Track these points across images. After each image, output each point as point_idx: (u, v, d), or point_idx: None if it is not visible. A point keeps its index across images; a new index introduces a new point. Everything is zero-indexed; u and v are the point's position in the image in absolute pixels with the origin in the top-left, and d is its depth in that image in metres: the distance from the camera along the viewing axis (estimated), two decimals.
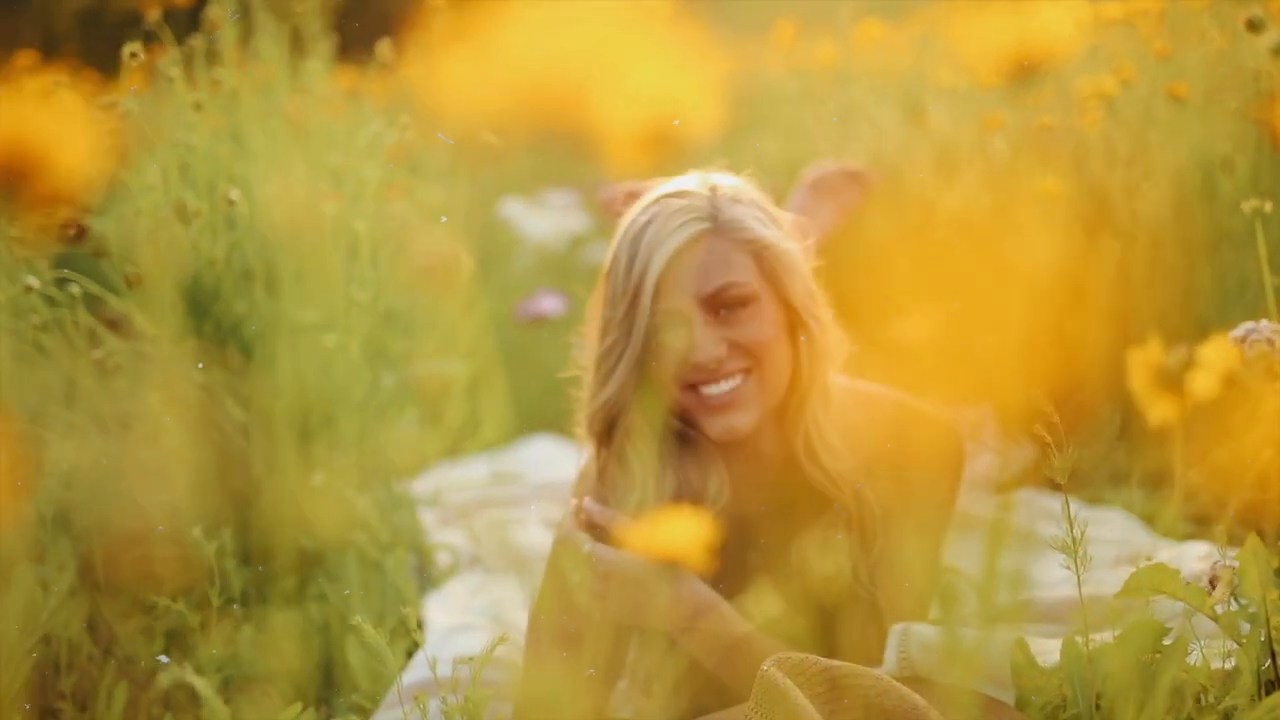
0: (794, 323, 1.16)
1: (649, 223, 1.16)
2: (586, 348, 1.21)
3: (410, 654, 1.47)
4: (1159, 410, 0.71)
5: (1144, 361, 0.72)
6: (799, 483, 1.20)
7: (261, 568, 1.43)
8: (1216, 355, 0.72)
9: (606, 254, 1.22)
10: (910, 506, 1.18)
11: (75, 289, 1.48)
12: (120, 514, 1.37)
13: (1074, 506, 0.98)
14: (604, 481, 1.20)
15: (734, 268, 1.14)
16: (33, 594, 1.30)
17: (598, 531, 1.16)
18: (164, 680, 1.34)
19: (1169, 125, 1.99)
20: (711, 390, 1.14)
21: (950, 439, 1.19)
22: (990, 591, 0.84)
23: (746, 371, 1.15)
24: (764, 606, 1.13)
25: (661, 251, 1.14)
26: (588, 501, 1.18)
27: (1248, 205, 1.14)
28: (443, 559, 1.77)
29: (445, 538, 1.85)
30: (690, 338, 1.14)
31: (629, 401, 1.16)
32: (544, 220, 2.95)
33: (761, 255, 1.15)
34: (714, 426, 1.16)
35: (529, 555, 1.76)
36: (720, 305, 1.14)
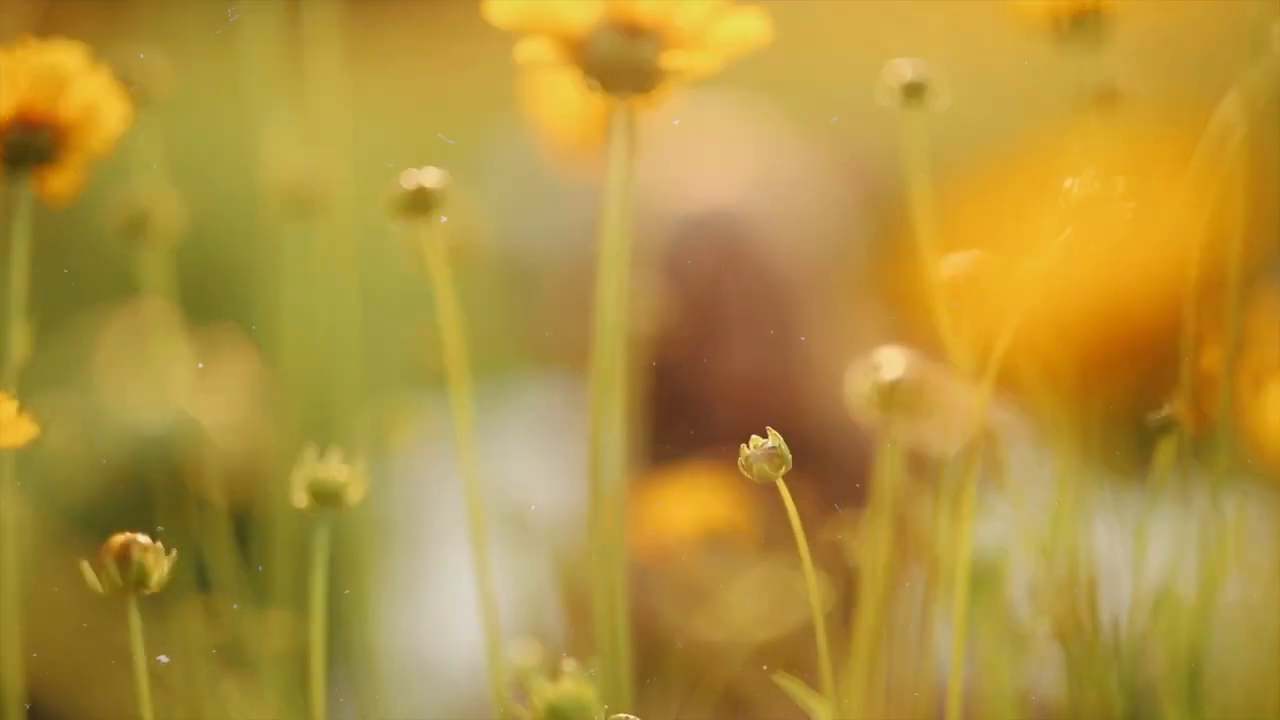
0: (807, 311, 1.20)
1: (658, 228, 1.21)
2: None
3: (408, 629, 1.45)
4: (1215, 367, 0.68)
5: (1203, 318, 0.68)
6: None
7: (261, 562, 1.41)
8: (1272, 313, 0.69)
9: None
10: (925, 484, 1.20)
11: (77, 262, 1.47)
12: (126, 482, 1.35)
13: (1122, 485, 0.95)
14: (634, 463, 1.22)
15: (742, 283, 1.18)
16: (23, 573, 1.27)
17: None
18: (158, 666, 1.32)
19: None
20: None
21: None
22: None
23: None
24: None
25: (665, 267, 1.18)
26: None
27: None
28: (445, 531, 1.75)
29: (448, 510, 1.83)
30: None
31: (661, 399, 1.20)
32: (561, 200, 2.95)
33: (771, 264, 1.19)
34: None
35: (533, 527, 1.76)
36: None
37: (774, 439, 0.55)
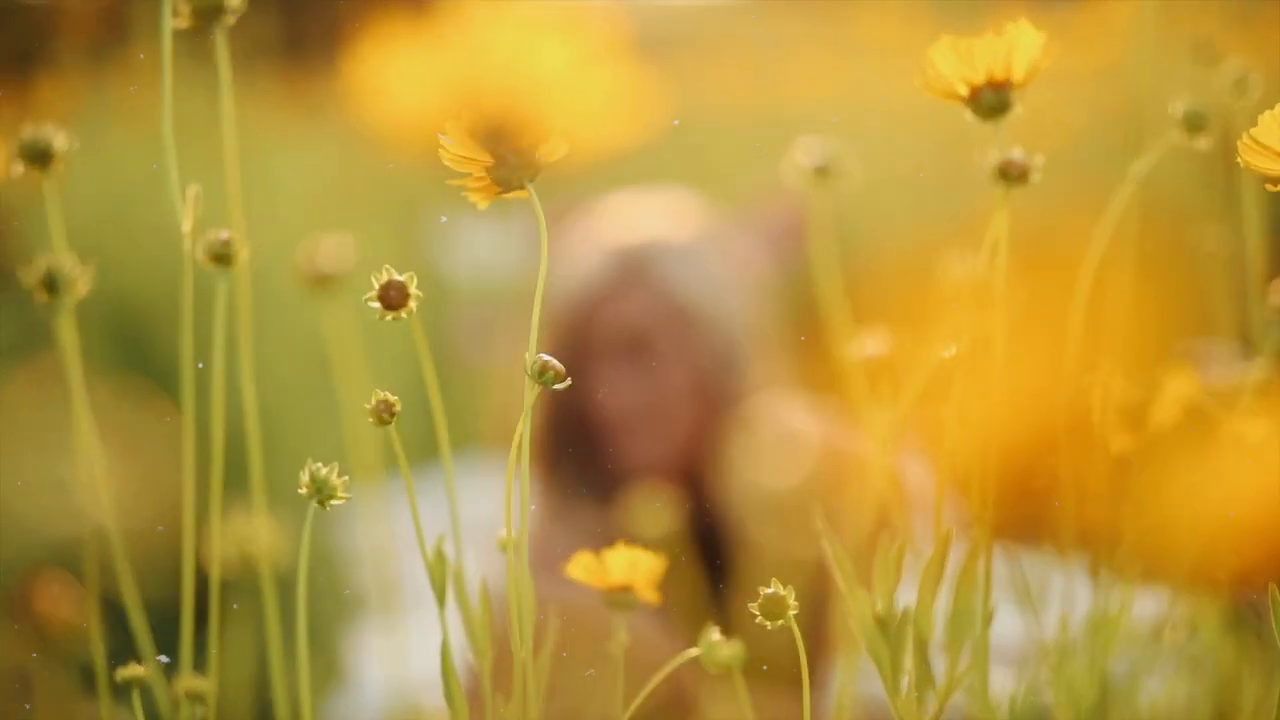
0: (717, 373, 1.17)
1: (574, 268, 1.17)
2: (522, 383, 1.21)
3: (343, 688, 1.45)
4: (1119, 444, 0.70)
5: (1104, 394, 0.70)
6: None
7: (191, 591, 1.40)
8: (1177, 385, 0.71)
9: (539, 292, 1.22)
10: (842, 547, 1.19)
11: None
12: (40, 546, 1.35)
13: (1022, 550, 0.97)
14: (546, 520, 1.20)
15: (652, 317, 1.14)
16: None
17: (545, 570, 1.16)
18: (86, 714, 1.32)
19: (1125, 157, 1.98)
20: (624, 438, 1.15)
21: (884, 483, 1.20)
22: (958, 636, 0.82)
23: (659, 421, 1.15)
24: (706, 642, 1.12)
25: (581, 298, 1.14)
26: (532, 539, 1.18)
27: (1195, 236, 1.12)
28: (377, 591, 1.74)
29: (381, 569, 1.82)
30: (610, 381, 1.15)
31: (560, 442, 1.18)
32: (492, 245, 2.94)
33: (685, 306, 1.15)
34: (630, 470, 1.16)
35: (466, 587, 1.75)
36: (635, 354, 1.14)
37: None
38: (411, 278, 0.57)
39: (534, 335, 1.07)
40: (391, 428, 0.63)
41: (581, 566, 0.74)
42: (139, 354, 1.57)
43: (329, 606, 1.58)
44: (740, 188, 3.06)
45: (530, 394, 1.15)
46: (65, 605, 1.29)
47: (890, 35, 2.61)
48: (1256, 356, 0.93)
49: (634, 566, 0.73)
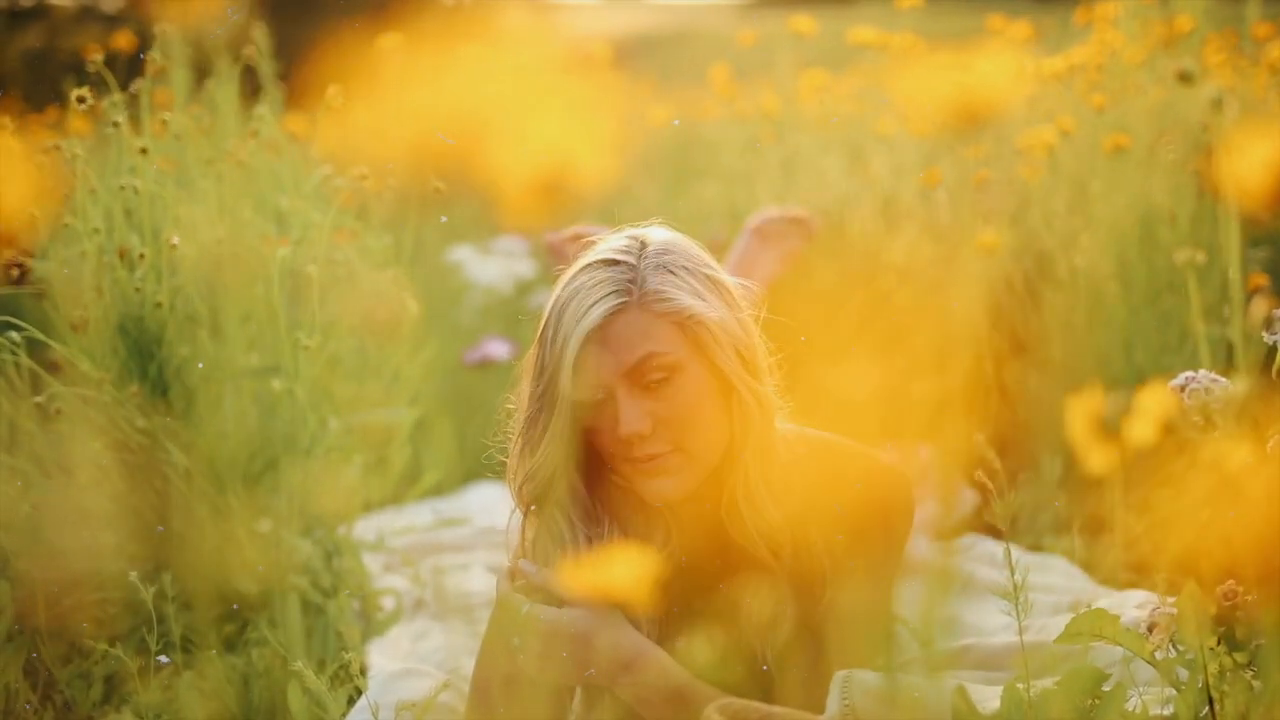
0: (726, 386, 1.16)
1: (572, 295, 1.15)
2: (515, 413, 1.21)
3: (352, 700, 1.46)
4: (1097, 458, 0.72)
5: (1083, 409, 0.73)
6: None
7: (202, 613, 1.42)
8: (1155, 403, 0.73)
9: (540, 316, 1.21)
10: (859, 553, 1.18)
11: (16, 333, 1.48)
12: (60, 558, 1.36)
13: (1015, 553, 0.99)
14: (535, 551, 1.20)
15: (654, 339, 1.13)
16: None
17: (534, 592, 1.16)
18: None
19: (1109, 177, 2.02)
20: (639, 461, 1.14)
21: (898, 485, 1.19)
22: (931, 637, 0.85)
23: (672, 442, 1.14)
24: (705, 654, 1.13)
25: (580, 326, 1.13)
26: (523, 563, 1.18)
27: (1181, 256, 1.14)
28: (386, 604, 1.76)
29: (389, 583, 1.84)
30: (612, 412, 1.14)
31: (555, 472, 1.17)
32: (492, 266, 2.96)
33: (685, 324, 1.14)
34: (645, 492, 1.16)
35: (473, 601, 1.76)
36: (642, 377, 1.13)
37: None
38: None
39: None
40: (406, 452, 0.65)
41: (573, 577, 0.76)
42: (151, 366, 1.59)
43: (345, 617, 1.59)
44: (739, 187, 3.09)
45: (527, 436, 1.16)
46: (84, 618, 1.30)
47: (888, 36, 2.64)
48: (1236, 373, 0.95)
49: (624, 575, 0.74)
